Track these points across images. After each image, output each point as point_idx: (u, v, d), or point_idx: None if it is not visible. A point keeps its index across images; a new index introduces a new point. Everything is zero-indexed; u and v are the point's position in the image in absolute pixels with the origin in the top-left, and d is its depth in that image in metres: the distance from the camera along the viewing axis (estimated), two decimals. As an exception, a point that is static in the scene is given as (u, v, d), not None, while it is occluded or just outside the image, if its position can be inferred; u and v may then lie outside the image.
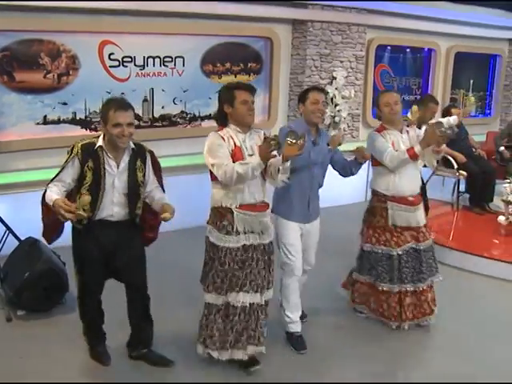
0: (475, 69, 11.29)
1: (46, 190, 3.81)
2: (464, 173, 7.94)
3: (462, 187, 8.35)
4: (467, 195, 8.41)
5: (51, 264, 5.05)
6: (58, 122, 6.74)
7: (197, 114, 7.72)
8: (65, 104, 6.73)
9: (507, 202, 7.11)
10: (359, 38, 8.88)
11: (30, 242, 5.28)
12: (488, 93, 11.65)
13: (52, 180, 3.87)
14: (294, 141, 3.84)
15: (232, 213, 4.07)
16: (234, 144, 4.06)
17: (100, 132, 3.99)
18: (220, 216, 4.11)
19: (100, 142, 3.88)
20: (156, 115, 7.40)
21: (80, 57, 6.70)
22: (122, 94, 6.91)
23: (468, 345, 4.90)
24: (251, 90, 4.14)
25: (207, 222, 4.22)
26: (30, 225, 5.52)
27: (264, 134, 4.22)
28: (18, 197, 6.19)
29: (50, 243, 4.21)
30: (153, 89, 7.30)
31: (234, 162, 3.95)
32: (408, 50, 10.04)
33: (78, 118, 6.84)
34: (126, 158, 3.96)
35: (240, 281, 4.12)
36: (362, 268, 5.14)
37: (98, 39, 6.81)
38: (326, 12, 8.34)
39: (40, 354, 4.45)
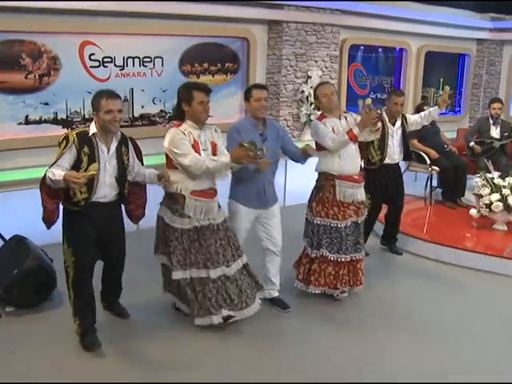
0: (445, 68, 11.53)
1: (45, 175, 4.17)
2: (436, 168, 8.22)
3: (435, 182, 8.62)
4: (440, 190, 8.67)
5: (40, 261, 5.13)
6: (40, 122, 6.79)
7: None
8: (46, 104, 6.79)
9: (478, 196, 7.35)
10: (333, 38, 9.05)
11: (17, 240, 5.34)
12: (457, 91, 11.90)
13: (51, 166, 4.18)
14: (252, 152, 4.40)
15: (185, 198, 4.61)
16: (193, 138, 4.56)
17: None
18: (174, 200, 4.65)
19: (93, 130, 4.32)
20: (136, 115, 7.50)
21: (61, 57, 6.76)
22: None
23: (440, 328, 5.16)
24: (207, 91, 4.65)
25: (160, 203, 4.78)
26: (15, 224, 5.68)
27: (215, 131, 4.79)
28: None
29: (49, 227, 4.45)
30: (133, 89, 7.38)
31: None
32: (380, 49, 10.24)
33: (59, 118, 6.90)
34: (114, 144, 4.43)
35: (200, 257, 4.66)
36: (312, 242, 5.48)
37: (78, 40, 6.87)
38: (301, 13, 8.50)
39: (31, 348, 4.54)
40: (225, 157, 4.51)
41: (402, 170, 7.17)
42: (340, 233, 5.39)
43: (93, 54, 7.00)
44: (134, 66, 7.33)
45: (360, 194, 5.48)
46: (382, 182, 6.54)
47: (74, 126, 6.93)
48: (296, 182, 7.79)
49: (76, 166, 4.22)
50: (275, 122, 5.74)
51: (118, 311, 5.04)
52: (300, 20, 8.54)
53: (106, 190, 4.41)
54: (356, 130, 5.17)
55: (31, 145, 6.68)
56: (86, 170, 4.20)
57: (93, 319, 4.56)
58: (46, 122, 6.84)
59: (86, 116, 7.01)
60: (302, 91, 8.75)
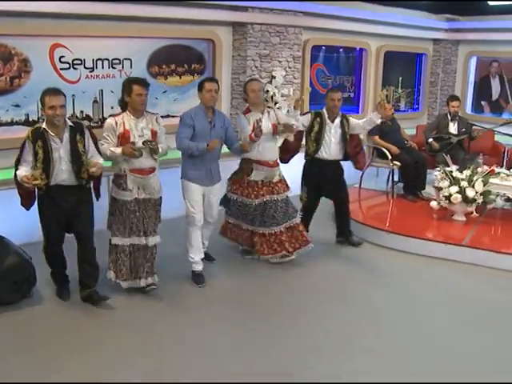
0: (403, 67, 11.84)
1: (16, 171, 5.04)
2: (398, 163, 8.53)
3: (396, 177, 8.93)
4: (401, 184, 8.96)
5: (20, 258, 5.28)
6: (12, 123, 6.85)
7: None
8: (17, 106, 6.85)
9: (438, 189, 7.68)
10: (296, 39, 9.29)
11: None
12: (416, 89, 12.23)
13: (18, 161, 5.07)
14: (137, 152, 5.26)
15: (126, 175, 5.41)
16: (124, 127, 5.34)
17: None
18: (118, 177, 5.47)
19: (43, 125, 5.02)
20: (106, 115, 7.54)
21: (31, 60, 6.83)
22: (73, 95, 7.21)
23: (400, 313, 5.46)
24: (145, 84, 5.42)
25: (112, 181, 5.58)
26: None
27: (156, 120, 5.56)
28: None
29: (28, 209, 5.24)
30: (102, 90, 7.48)
31: (122, 141, 5.32)
32: (341, 49, 10.52)
33: (30, 120, 6.95)
34: (66, 134, 5.08)
35: (135, 226, 5.45)
36: (232, 213, 6.60)
37: (48, 43, 6.94)
38: (265, 15, 8.71)
39: (12, 343, 4.67)
40: (119, 149, 5.28)
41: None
42: (253, 209, 6.36)
43: (63, 57, 7.09)
44: (103, 67, 7.44)
45: (272, 175, 6.40)
46: (316, 175, 6.95)
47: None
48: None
49: (35, 157, 5.00)
50: (222, 113, 6.43)
51: (96, 299, 5.38)
52: (264, 22, 8.75)
53: (63, 176, 5.09)
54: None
55: (3, 146, 6.70)
56: (42, 161, 4.97)
57: (64, 278, 5.54)
58: (17, 123, 6.90)
59: (57, 117, 7.11)
60: (267, 91, 8.94)
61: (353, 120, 7.07)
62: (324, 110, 6.90)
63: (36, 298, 5.42)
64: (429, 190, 8.58)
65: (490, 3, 10.47)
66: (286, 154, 6.95)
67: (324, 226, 7.61)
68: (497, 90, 11.80)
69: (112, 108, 7.58)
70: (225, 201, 6.59)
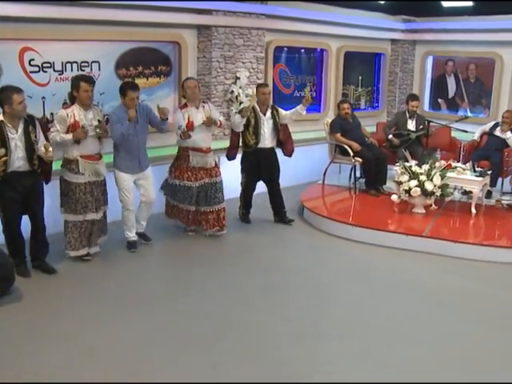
0: (363, 66, 12.10)
1: None
2: (359, 159, 8.83)
3: (358, 173, 9.24)
4: (363, 180, 9.26)
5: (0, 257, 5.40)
6: (-17, 125, 6.96)
7: (113, 115, 8.07)
8: (-12, 109, 6.97)
9: (398, 183, 8.00)
10: (259, 40, 9.52)
11: None
12: (375, 88, 12.51)
13: None
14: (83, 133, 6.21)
15: (77, 160, 6.27)
16: (74, 119, 6.17)
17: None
18: (70, 162, 6.30)
19: (0, 118, 5.67)
20: (75, 117, 7.74)
21: (1, 63, 6.91)
22: (43, 98, 7.33)
23: (366, 299, 5.75)
24: (90, 81, 6.33)
25: (61, 166, 6.35)
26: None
27: (100, 111, 6.64)
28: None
29: None
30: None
31: (73, 131, 6.15)
32: (303, 50, 10.74)
33: (1, 122, 7.07)
34: (21, 125, 5.79)
35: (87, 204, 6.36)
36: (172, 196, 7.43)
37: (18, 46, 7.04)
38: (229, 17, 8.92)
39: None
40: (70, 135, 6.16)
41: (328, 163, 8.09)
42: (193, 190, 7.24)
43: (32, 60, 7.20)
44: (72, 70, 7.54)
45: (207, 161, 7.29)
46: (256, 163, 7.87)
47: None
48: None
49: None
50: (145, 105, 7.12)
51: (45, 269, 6.19)
52: (228, 24, 8.96)
53: (20, 163, 5.78)
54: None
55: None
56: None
57: (23, 256, 6.10)
58: (-12, 125, 7.00)
59: (28, 119, 7.24)
60: (232, 91, 9.17)
61: (281, 111, 7.95)
62: (255, 104, 7.77)
63: (15, 295, 5.56)
64: (390, 185, 8.89)
65: (444, 5, 10.85)
66: (230, 150, 7.94)
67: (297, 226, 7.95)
68: (452, 88, 12.17)
69: (64, 105, 7.70)
70: (167, 187, 7.48)
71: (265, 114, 7.80)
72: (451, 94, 12.22)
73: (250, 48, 9.44)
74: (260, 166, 7.89)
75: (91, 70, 7.77)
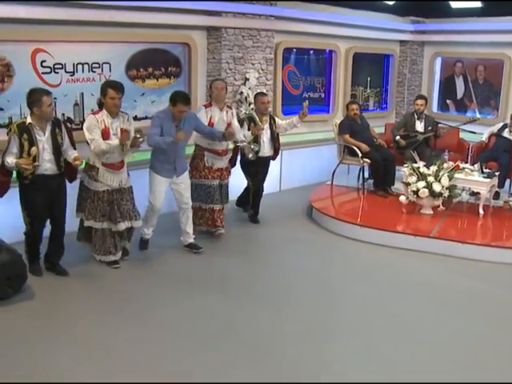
0: (371, 67, 12.14)
1: (3, 162, 5.62)
2: (368, 160, 8.87)
3: (367, 174, 9.28)
4: (371, 180, 9.30)
5: (12, 255, 5.48)
6: (-5, 126, 7.04)
7: (124, 116, 8.15)
8: (1, 109, 7.03)
9: (406, 184, 8.03)
10: (268, 42, 9.57)
11: None
12: (384, 89, 12.54)
13: (5, 153, 5.62)
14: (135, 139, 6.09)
15: (98, 168, 6.13)
16: (104, 125, 6.02)
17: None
18: (91, 168, 6.18)
19: (29, 120, 5.65)
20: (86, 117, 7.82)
21: (14, 64, 7.00)
22: (55, 98, 7.37)
23: (374, 300, 5.81)
24: (119, 89, 6.11)
25: (83, 170, 6.25)
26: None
27: (128, 120, 6.27)
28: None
29: (1, 196, 5.82)
30: (83, 93, 7.67)
31: (104, 137, 5.97)
32: (311, 51, 10.80)
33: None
34: (48, 128, 5.76)
35: (105, 213, 6.21)
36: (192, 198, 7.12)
37: (30, 48, 7.12)
38: (238, 19, 8.98)
39: (9, 337, 4.89)
40: (116, 141, 6.00)
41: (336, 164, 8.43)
42: (215, 188, 7.26)
43: (44, 61, 7.27)
44: (83, 71, 7.64)
45: (221, 162, 7.34)
46: (258, 170, 7.95)
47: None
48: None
49: (21, 149, 5.58)
50: (192, 113, 6.96)
51: (59, 271, 6.14)
52: (237, 26, 9.02)
53: (47, 165, 5.75)
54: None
55: (-13, 149, 6.92)
56: (28, 152, 5.59)
57: (37, 255, 6.11)
58: (1, 126, 7.06)
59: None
60: (241, 92, 9.22)
61: (278, 120, 8.10)
62: (254, 113, 7.85)
63: (28, 293, 5.64)
64: (398, 186, 8.92)
65: (453, 6, 10.88)
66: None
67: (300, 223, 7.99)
68: (461, 89, 12.20)
69: (92, 111, 7.74)
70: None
71: (264, 124, 7.84)
72: (460, 95, 12.25)
73: (260, 49, 9.49)
74: (260, 173, 8.06)
75: (102, 71, 7.84)
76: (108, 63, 7.91)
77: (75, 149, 6.03)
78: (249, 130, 7.66)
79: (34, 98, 5.61)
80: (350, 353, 4.82)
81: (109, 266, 6.38)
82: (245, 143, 7.53)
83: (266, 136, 7.85)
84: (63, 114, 7.53)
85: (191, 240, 7.03)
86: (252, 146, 7.57)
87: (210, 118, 7.18)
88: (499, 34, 11.06)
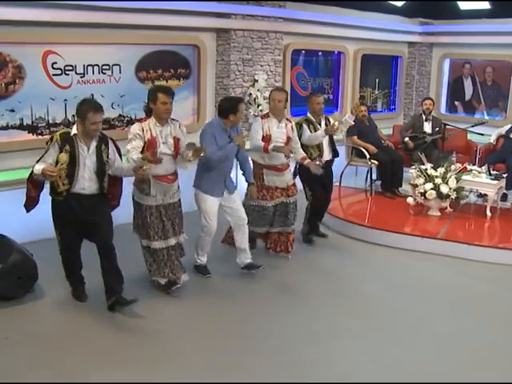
0: (380, 69, 12.18)
1: (32, 170, 4.99)
2: (375, 162, 8.90)
3: (374, 175, 9.30)
4: (379, 182, 9.33)
5: (23, 255, 5.54)
6: (7, 127, 7.09)
7: (133, 117, 8.18)
8: (12, 111, 7.09)
9: (414, 186, 8.06)
10: (277, 43, 9.62)
11: None
12: (392, 90, 12.57)
13: (37, 161, 4.99)
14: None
15: (150, 180, 5.45)
16: (151, 134, 5.41)
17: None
18: (141, 181, 5.45)
19: (74, 131, 5.09)
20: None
21: (25, 66, 7.07)
22: (65, 100, 7.49)
23: (382, 300, 5.85)
24: (169, 93, 5.51)
25: (133, 184, 5.60)
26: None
27: (179, 127, 5.66)
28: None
29: (28, 211, 5.27)
30: (93, 95, 7.69)
31: (148, 148, 5.35)
32: (320, 53, 10.83)
33: (25, 124, 7.22)
34: (94, 144, 5.15)
35: (160, 230, 5.63)
36: (249, 220, 6.42)
37: (41, 50, 7.19)
38: (247, 21, 9.03)
39: (21, 335, 4.96)
40: (137, 156, 5.24)
41: (344, 166, 8.21)
42: (269, 211, 6.61)
43: (55, 63, 7.34)
44: (93, 73, 7.71)
45: (284, 180, 6.66)
46: (321, 177, 6.99)
47: (39, 132, 7.35)
48: None
49: (58, 161, 4.98)
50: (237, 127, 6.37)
51: (123, 303, 5.28)
52: (246, 28, 9.07)
53: (85, 183, 5.14)
54: (270, 147, 6.33)
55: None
56: (67, 165, 4.98)
57: (80, 282, 5.56)
58: (12, 127, 7.14)
59: (50, 121, 7.42)
60: (250, 94, 9.27)
61: (332, 120, 7.32)
62: (309, 115, 7.20)
63: (38, 293, 5.70)
64: (405, 187, 8.94)
65: (462, 7, 10.89)
66: None
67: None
68: (469, 90, 12.21)
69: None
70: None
71: (320, 124, 7.20)
72: (468, 97, 12.26)
73: (268, 51, 9.53)
74: (321, 177, 7.01)
75: (112, 72, 7.92)
76: (118, 65, 7.98)
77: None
78: (311, 132, 7.02)
79: (81, 111, 5.06)
80: (357, 352, 4.86)
81: (167, 289, 5.79)
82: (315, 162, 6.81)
83: (324, 139, 7.14)
84: (73, 116, 7.58)
85: (249, 260, 6.35)
86: (317, 162, 6.88)
87: (267, 130, 6.49)
88: (508, 35, 11.08)
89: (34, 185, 5.14)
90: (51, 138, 5.09)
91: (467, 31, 11.60)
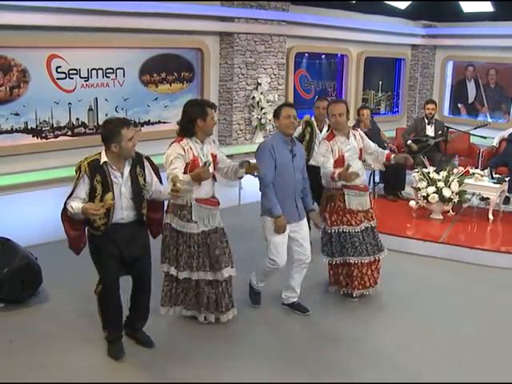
0: (383, 72, 12.25)
1: (64, 208, 4.38)
2: (378, 165, 8.88)
3: (377, 178, 9.32)
4: (382, 185, 9.35)
5: (28, 259, 5.59)
6: (11, 131, 7.13)
7: (137, 121, 8.25)
8: (17, 115, 7.13)
9: (416, 189, 8.07)
10: (280, 47, 9.66)
11: (2, 242, 5.70)
12: (395, 93, 12.62)
13: (69, 197, 4.38)
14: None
15: (191, 205, 4.92)
16: (193, 154, 4.86)
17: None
18: (181, 207, 4.94)
19: (104, 158, 4.41)
20: (100, 123, 7.79)
21: (30, 70, 7.12)
22: (69, 104, 7.53)
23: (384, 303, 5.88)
24: (215, 107, 5.03)
25: (166, 211, 5.02)
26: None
27: (213, 142, 5.12)
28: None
29: (78, 253, 4.61)
30: (97, 98, 7.79)
31: (191, 168, 4.73)
32: (323, 56, 10.88)
33: (29, 128, 7.26)
34: (127, 168, 4.50)
35: (202, 260, 5.00)
36: (332, 254, 5.80)
37: (45, 54, 7.24)
38: (250, 25, 9.08)
39: (26, 338, 4.99)
40: (187, 176, 4.61)
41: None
42: (357, 237, 5.71)
43: (59, 67, 7.39)
44: (97, 77, 7.76)
45: (366, 201, 5.86)
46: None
47: (44, 135, 7.39)
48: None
49: (91, 194, 4.39)
50: (298, 142, 5.72)
51: (142, 340, 4.91)
52: (249, 31, 9.12)
53: (123, 213, 4.52)
54: (336, 175, 5.37)
55: (4, 153, 7.04)
56: (101, 198, 4.36)
57: (119, 328, 4.79)
58: (17, 131, 7.19)
59: (55, 125, 7.46)
60: (253, 97, 9.31)
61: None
62: (313, 118, 7.13)
63: (43, 296, 5.74)
64: (408, 191, 8.96)
65: (465, 10, 10.89)
66: None
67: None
68: (472, 93, 12.24)
69: (106, 115, 7.85)
70: (324, 241, 5.89)
71: (321, 131, 7.04)
72: (471, 99, 12.30)
73: (272, 54, 9.58)
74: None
75: (116, 76, 7.97)
76: (122, 68, 8.03)
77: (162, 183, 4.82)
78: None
79: (111, 131, 4.35)
80: (357, 355, 4.89)
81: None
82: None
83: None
84: (77, 119, 7.64)
85: (295, 299, 5.65)
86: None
87: (339, 151, 5.65)
88: (511, 38, 11.09)
89: (70, 223, 4.47)
90: (79, 169, 4.42)
91: (470, 34, 11.65)
